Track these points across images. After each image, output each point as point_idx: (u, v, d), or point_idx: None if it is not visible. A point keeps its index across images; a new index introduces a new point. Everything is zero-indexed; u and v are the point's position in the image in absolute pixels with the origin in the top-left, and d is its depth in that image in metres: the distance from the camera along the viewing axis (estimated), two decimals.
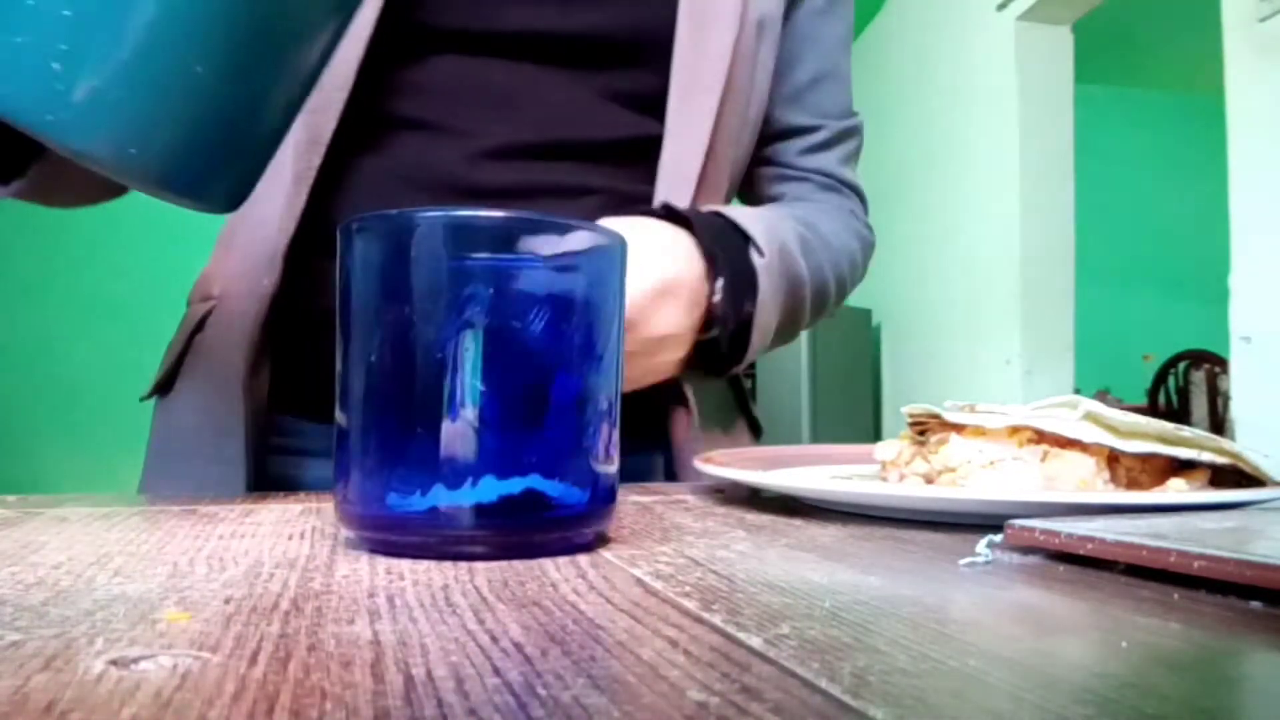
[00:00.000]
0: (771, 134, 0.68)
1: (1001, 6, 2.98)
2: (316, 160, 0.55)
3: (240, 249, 0.59)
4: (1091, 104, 4.46)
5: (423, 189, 0.56)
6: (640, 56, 0.59)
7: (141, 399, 0.64)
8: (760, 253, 0.56)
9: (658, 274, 0.50)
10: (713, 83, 0.59)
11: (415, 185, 0.56)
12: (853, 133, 0.71)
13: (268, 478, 0.58)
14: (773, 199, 0.70)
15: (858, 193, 0.72)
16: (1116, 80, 4.92)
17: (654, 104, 0.59)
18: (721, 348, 0.55)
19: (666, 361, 0.53)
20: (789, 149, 0.69)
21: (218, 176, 0.38)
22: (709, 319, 0.54)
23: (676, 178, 0.59)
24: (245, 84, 0.37)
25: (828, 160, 0.69)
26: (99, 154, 0.34)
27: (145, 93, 0.34)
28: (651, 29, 0.59)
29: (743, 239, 0.56)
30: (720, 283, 0.54)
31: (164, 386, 0.61)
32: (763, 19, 0.62)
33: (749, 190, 0.72)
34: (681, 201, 0.58)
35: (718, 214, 0.57)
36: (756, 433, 0.70)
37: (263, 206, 0.54)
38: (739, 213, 0.58)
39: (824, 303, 0.65)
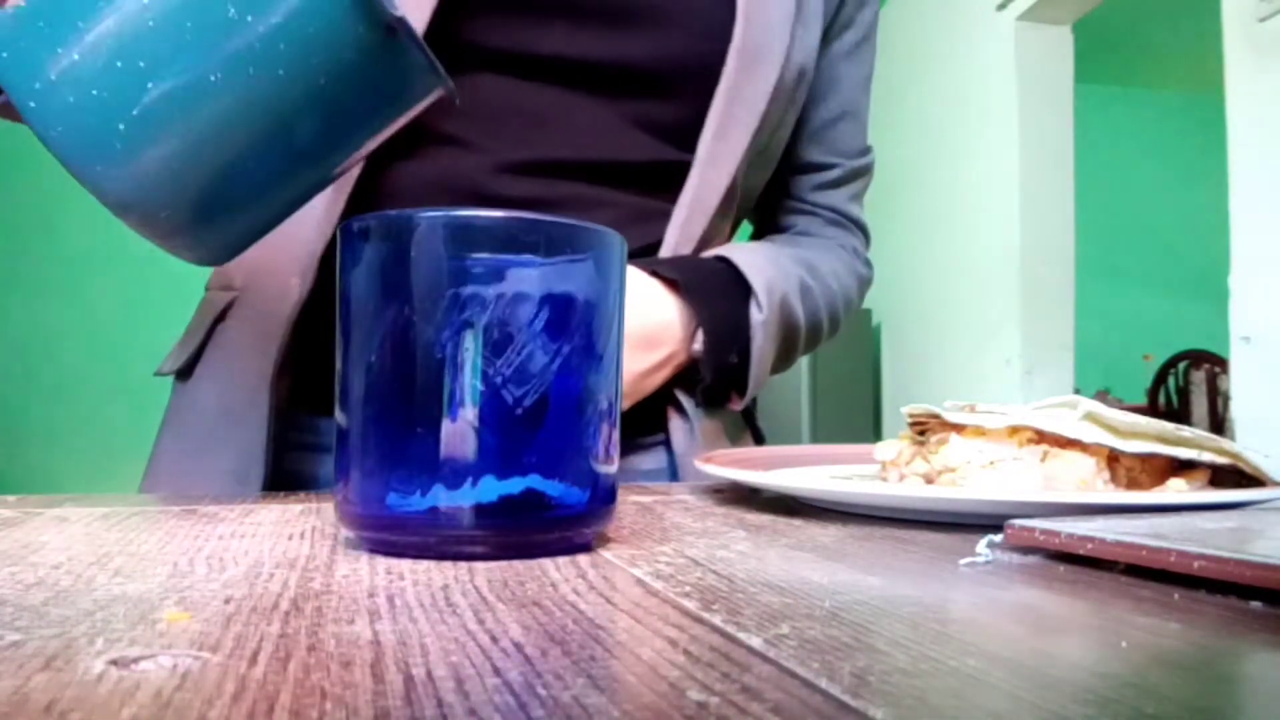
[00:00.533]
0: (787, 167, 0.71)
1: (1001, 6, 2.98)
2: (357, 170, 0.56)
3: (269, 245, 0.59)
4: (1091, 104, 4.46)
5: (451, 199, 0.58)
6: (673, 88, 0.61)
7: (156, 374, 0.64)
8: (760, 307, 0.60)
9: (635, 325, 0.55)
10: (749, 121, 0.61)
11: (445, 195, 0.58)
12: (864, 171, 0.73)
13: (283, 471, 0.58)
14: (781, 229, 0.73)
15: (863, 229, 0.75)
16: (1116, 80, 4.92)
17: (679, 133, 0.61)
18: (703, 390, 0.61)
19: (633, 394, 0.57)
20: (803, 184, 0.72)
21: (221, 247, 0.40)
22: (692, 368, 0.59)
23: (697, 206, 0.61)
24: (287, 184, 0.39)
25: (838, 197, 0.72)
26: (129, 209, 0.35)
27: (195, 175, 0.35)
28: (695, 63, 0.60)
29: (743, 291, 0.60)
30: (701, 338, 0.58)
31: (184, 371, 0.62)
32: (803, 66, 0.64)
33: (759, 215, 0.75)
34: (697, 227, 0.61)
35: (724, 261, 0.61)
36: (760, 442, 0.72)
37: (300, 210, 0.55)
38: (747, 260, 0.61)
39: (817, 340, 0.69)
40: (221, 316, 0.60)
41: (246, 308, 0.59)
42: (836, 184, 0.72)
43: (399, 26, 0.34)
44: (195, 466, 0.57)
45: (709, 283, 0.59)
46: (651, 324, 0.57)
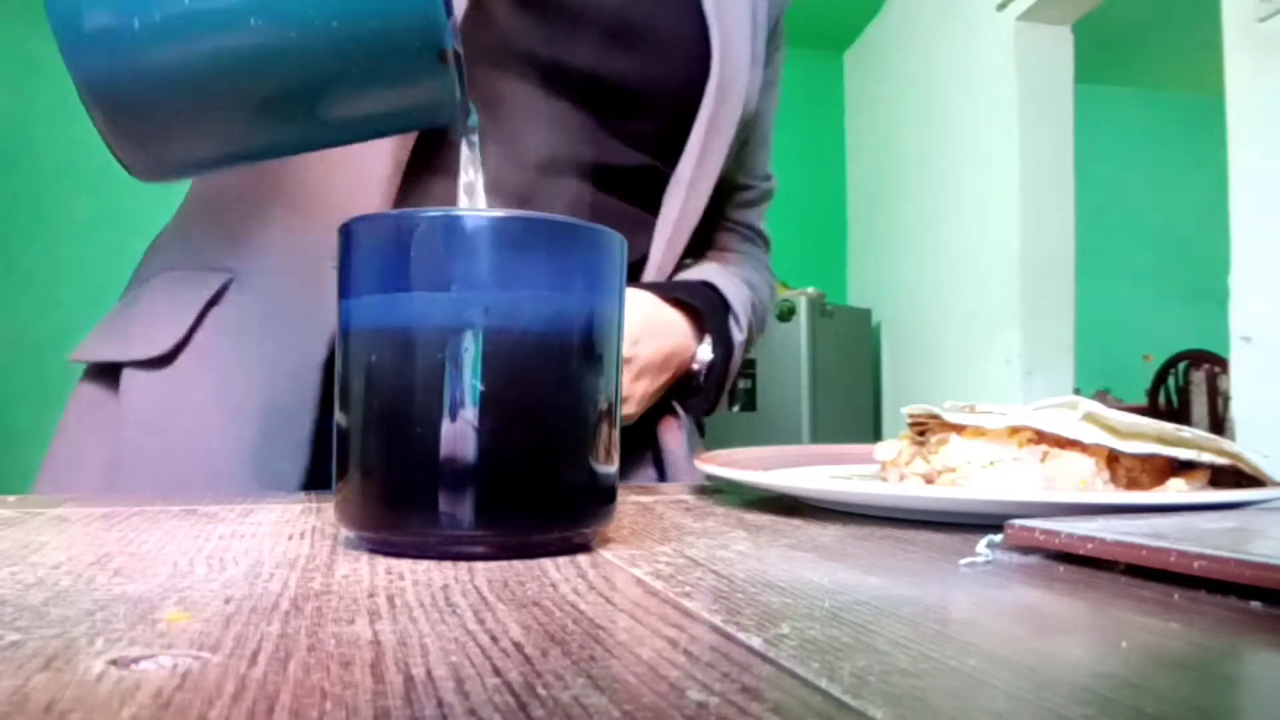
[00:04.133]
0: (715, 189, 0.76)
1: (1001, 6, 2.98)
2: (404, 156, 0.57)
3: (292, 225, 0.58)
4: (1091, 104, 4.46)
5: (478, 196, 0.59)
6: (654, 107, 0.65)
7: (71, 359, 0.60)
8: (740, 329, 0.67)
9: (656, 346, 0.61)
10: (722, 149, 0.66)
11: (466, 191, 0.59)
12: (771, 193, 0.83)
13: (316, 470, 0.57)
14: (704, 243, 0.80)
15: (768, 243, 0.84)
16: (1116, 80, 4.92)
17: (656, 147, 0.65)
18: (704, 404, 0.67)
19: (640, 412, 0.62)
20: (725, 204, 0.79)
21: (161, 171, 0.38)
22: (692, 381, 0.66)
23: (681, 224, 0.67)
24: (262, 143, 0.38)
25: (753, 215, 0.81)
26: (97, 100, 0.33)
27: (182, 105, 0.34)
28: (674, 87, 0.65)
29: (727, 314, 0.67)
30: (712, 356, 0.65)
31: (161, 359, 0.57)
32: (752, 102, 0.70)
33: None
34: (679, 245, 0.67)
35: (710, 287, 0.67)
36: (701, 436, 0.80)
37: (350, 193, 0.55)
38: (726, 287, 0.68)
39: (748, 352, 0.76)
40: (215, 300, 0.57)
41: (253, 288, 0.57)
42: (751, 203, 0.80)
43: (452, 60, 0.34)
44: (192, 456, 0.55)
45: (717, 311, 0.66)
46: (671, 350, 0.62)
